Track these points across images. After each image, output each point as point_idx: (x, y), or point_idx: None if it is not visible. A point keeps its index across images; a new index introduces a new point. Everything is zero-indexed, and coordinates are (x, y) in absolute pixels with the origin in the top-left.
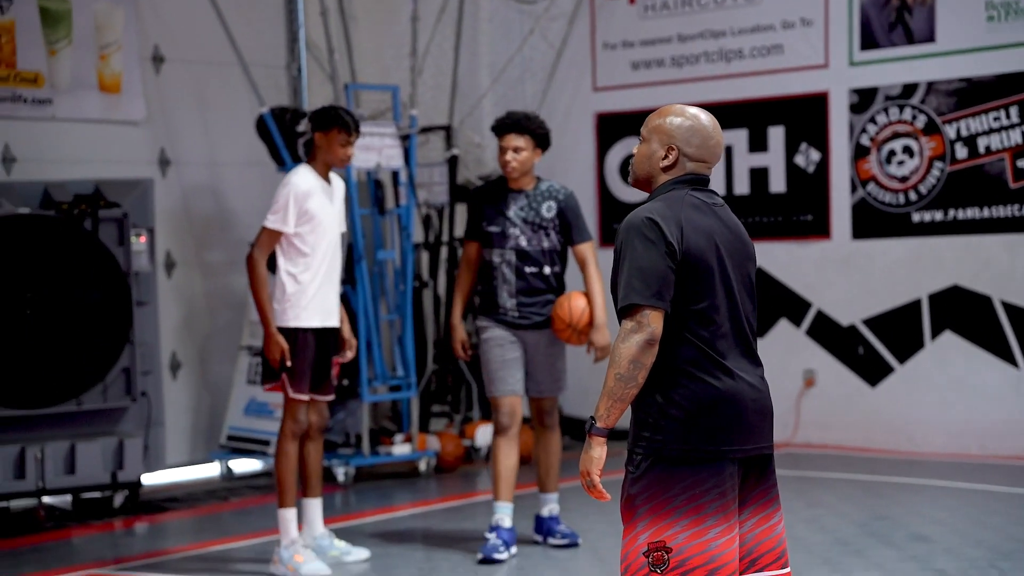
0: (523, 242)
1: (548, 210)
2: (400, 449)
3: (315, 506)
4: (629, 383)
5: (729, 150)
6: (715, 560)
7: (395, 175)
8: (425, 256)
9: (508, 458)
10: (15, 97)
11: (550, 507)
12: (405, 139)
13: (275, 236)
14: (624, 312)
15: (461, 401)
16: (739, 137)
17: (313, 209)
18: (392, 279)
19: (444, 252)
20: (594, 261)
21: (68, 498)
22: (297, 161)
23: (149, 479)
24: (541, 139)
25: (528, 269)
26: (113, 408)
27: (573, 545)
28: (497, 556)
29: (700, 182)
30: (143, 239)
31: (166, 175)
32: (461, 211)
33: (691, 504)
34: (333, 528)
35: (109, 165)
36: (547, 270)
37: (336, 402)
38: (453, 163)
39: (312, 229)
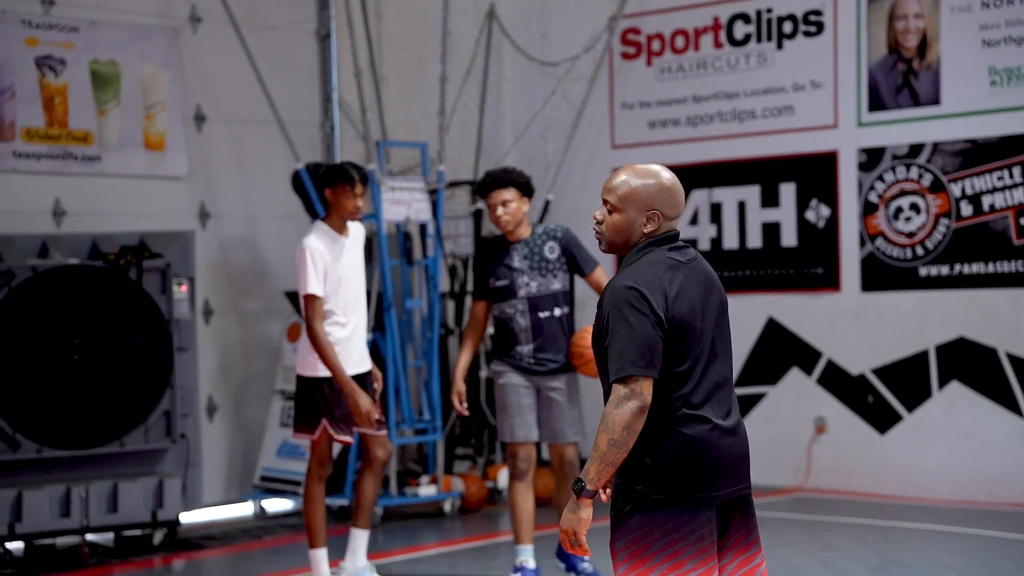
0: (533, 288)
1: (551, 251)
2: (426, 490)
3: (362, 537)
4: (621, 448)
5: (742, 206)
6: None
7: (423, 227)
8: (451, 305)
9: (526, 502)
10: (66, 154)
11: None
12: (433, 193)
13: (319, 302)
14: (619, 380)
15: (484, 444)
16: (752, 193)
17: (330, 267)
18: (419, 327)
19: (469, 301)
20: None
21: (111, 535)
22: None
23: (187, 518)
24: (524, 187)
25: (542, 314)
26: (154, 449)
27: None
28: None
29: (672, 238)
30: (184, 288)
31: (206, 227)
32: None
33: (670, 549)
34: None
35: (153, 218)
36: (558, 312)
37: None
38: (478, 216)
39: (332, 285)
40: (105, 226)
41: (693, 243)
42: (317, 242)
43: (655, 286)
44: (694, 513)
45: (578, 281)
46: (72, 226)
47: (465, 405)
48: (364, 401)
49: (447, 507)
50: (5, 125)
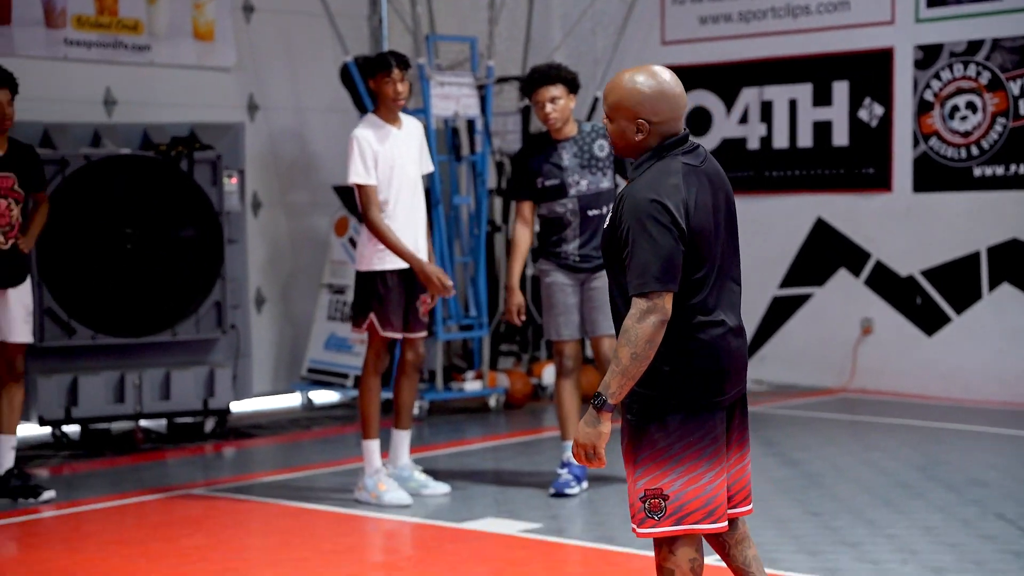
0: (583, 187)
1: (600, 149)
2: (471, 385)
3: (403, 438)
4: (642, 362)
5: (793, 104)
6: (710, 503)
7: (471, 123)
8: (498, 202)
9: (572, 399)
10: (116, 43)
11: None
12: (481, 88)
13: (370, 189)
14: (640, 295)
15: (529, 341)
16: (803, 91)
17: (380, 154)
18: (467, 223)
19: None
20: None
21: (163, 422)
22: None
23: (237, 407)
24: (572, 84)
25: (591, 212)
26: (205, 339)
27: None
28: (568, 491)
29: (681, 142)
30: (234, 180)
31: (254, 119)
32: None
33: (686, 452)
34: (414, 457)
35: (202, 109)
36: (605, 209)
37: None
38: (526, 112)
39: (384, 174)
40: (155, 116)
41: (742, 142)
42: (365, 131)
43: (676, 197)
44: (708, 416)
45: None
46: (123, 116)
47: (523, 318)
48: (432, 269)
49: (492, 402)
50: (56, 12)
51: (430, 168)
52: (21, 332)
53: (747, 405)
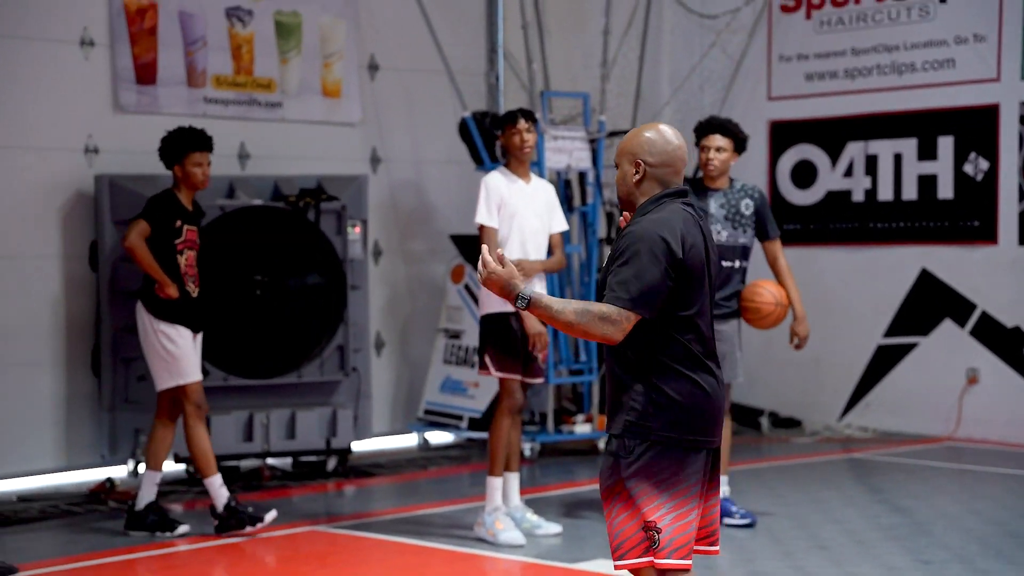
0: (723, 237)
1: (747, 208)
2: (581, 428)
3: (513, 479)
4: (568, 331)
5: (898, 158)
6: (691, 537)
7: (583, 176)
8: (607, 250)
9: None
10: (251, 101)
11: (723, 488)
12: (593, 142)
13: (490, 231)
14: (614, 300)
15: None
16: (909, 146)
17: (504, 201)
18: (577, 272)
19: None
20: (783, 254)
21: (288, 460)
22: (494, 161)
23: (357, 446)
24: (740, 143)
25: (725, 263)
26: (328, 381)
27: (750, 526)
28: (728, 520)
29: (682, 192)
30: (357, 229)
31: (377, 171)
32: None
33: (677, 487)
34: (523, 498)
35: (329, 162)
36: (738, 264)
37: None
38: None
39: (505, 221)
40: (286, 169)
41: (847, 194)
42: (495, 177)
43: (677, 235)
44: (697, 456)
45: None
46: (255, 169)
47: None
48: (533, 324)
49: (601, 445)
50: (197, 72)
51: (563, 227)
52: (199, 371)
53: (719, 453)
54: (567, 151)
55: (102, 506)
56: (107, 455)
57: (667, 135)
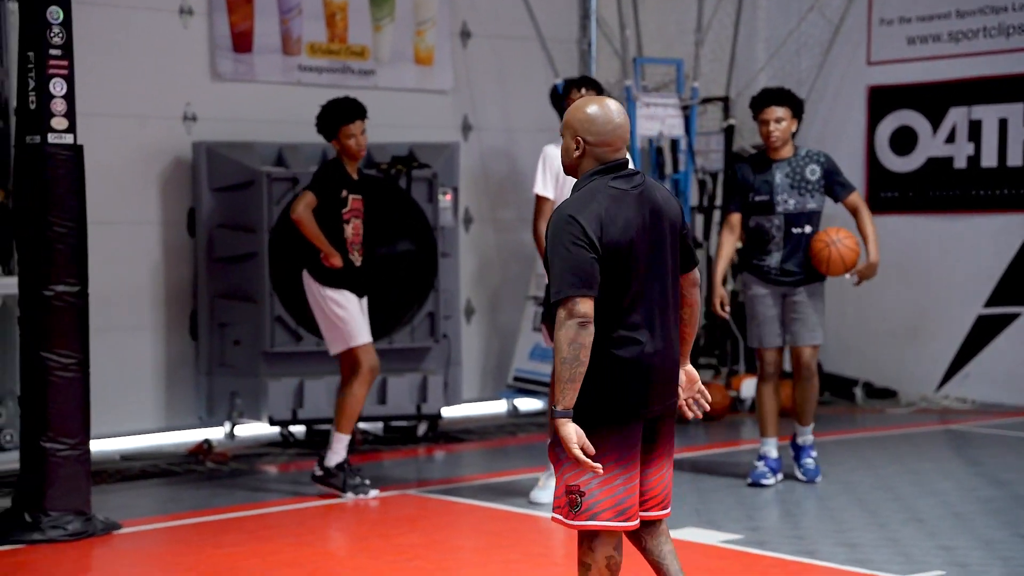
0: (791, 206)
1: (812, 173)
2: None
3: None
4: (574, 364)
5: (1003, 123)
6: (620, 504)
7: (675, 143)
8: (699, 219)
9: (772, 400)
10: (344, 68)
11: (804, 437)
12: (686, 109)
13: (544, 201)
14: (559, 304)
15: (728, 354)
16: (1015, 111)
17: (559, 173)
18: None
19: (717, 215)
20: (865, 206)
21: (380, 425)
22: None
23: (447, 412)
24: (798, 108)
25: (795, 230)
26: (419, 347)
27: (811, 482)
28: (764, 481)
29: (617, 167)
30: (448, 197)
31: (468, 139)
32: None
33: (603, 455)
34: None
35: (420, 130)
36: (808, 229)
37: None
38: (729, 132)
39: (560, 191)
40: (377, 136)
41: (949, 161)
42: (553, 148)
43: (590, 214)
44: (628, 427)
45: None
46: None
47: (728, 309)
48: None
49: (691, 414)
50: (293, 40)
51: None
52: (369, 333)
53: (670, 420)
54: (659, 118)
55: (200, 466)
56: (204, 417)
57: (611, 112)
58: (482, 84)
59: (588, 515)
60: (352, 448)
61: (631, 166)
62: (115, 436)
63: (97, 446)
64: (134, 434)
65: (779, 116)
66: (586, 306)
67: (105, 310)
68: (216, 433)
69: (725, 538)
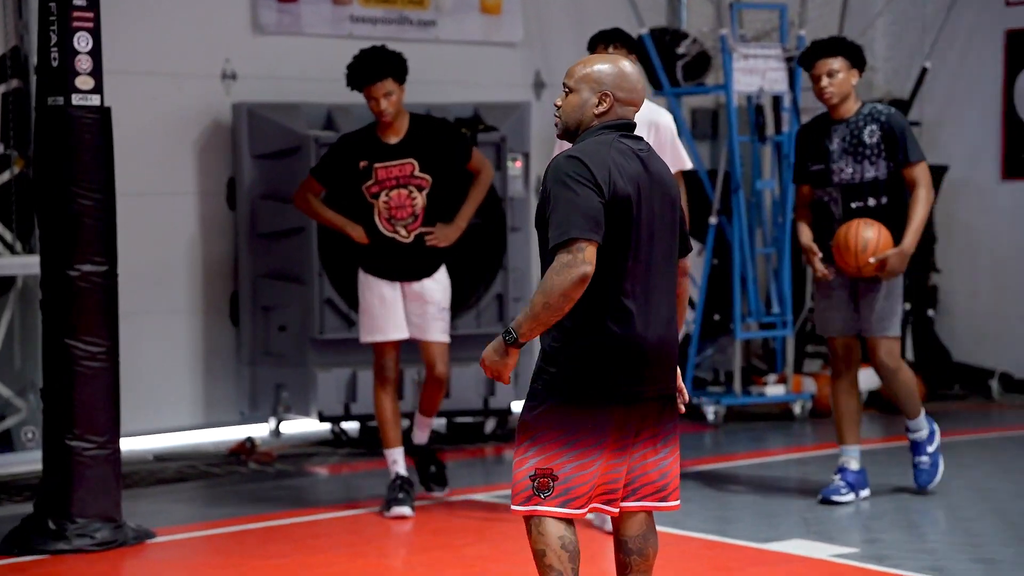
0: (847, 174)
1: (871, 135)
2: (773, 390)
3: None
4: (555, 313)
5: None
6: (596, 488)
7: (777, 100)
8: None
9: (846, 400)
10: (401, 19)
11: (915, 432)
12: (790, 61)
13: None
14: (561, 245)
15: None
16: None
17: None
18: (769, 210)
19: None
20: (926, 184)
21: (443, 421)
22: (675, 85)
23: (518, 407)
24: (855, 57)
25: (854, 204)
26: (486, 334)
27: (922, 490)
28: (838, 498)
29: (627, 127)
30: (518, 164)
31: (540, 98)
32: None
33: (581, 438)
34: (706, 468)
35: (486, 88)
36: (871, 202)
37: (706, 337)
38: None
39: None
40: (439, 96)
41: None
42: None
43: (599, 160)
44: (608, 409)
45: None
46: (408, 95)
47: (832, 268)
48: None
49: (797, 409)
50: None
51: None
52: (439, 331)
53: (670, 406)
54: (759, 72)
55: (242, 468)
56: (247, 412)
57: (634, 73)
58: (556, 35)
59: (560, 500)
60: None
61: None
62: (148, 434)
63: (128, 445)
64: (169, 432)
65: (832, 68)
66: (591, 257)
67: (136, 292)
68: (260, 430)
69: (838, 552)
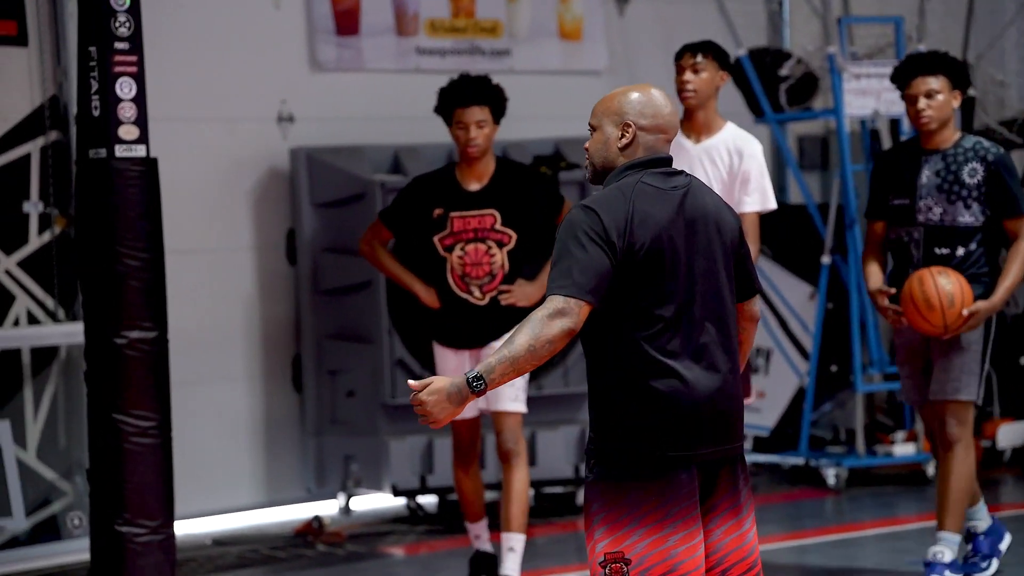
0: (934, 216)
1: (971, 174)
2: (902, 449)
3: None
4: (535, 361)
5: None
6: (677, 568)
7: (895, 123)
8: None
9: (946, 475)
10: (473, 49)
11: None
12: None
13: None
14: (556, 293)
15: (979, 391)
16: None
17: None
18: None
19: None
20: None
21: (531, 491)
22: (777, 111)
23: None
24: (959, 76)
25: (939, 251)
26: (575, 393)
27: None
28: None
29: (656, 163)
30: None
31: None
32: None
33: (647, 512)
34: (828, 540)
35: (568, 121)
36: (960, 251)
37: (823, 392)
38: (969, 106)
39: None
40: (515, 132)
41: None
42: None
43: (617, 209)
44: (669, 474)
45: None
46: None
47: (899, 311)
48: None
49: (930, 471)
50: (408, 17)
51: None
52: (508, 398)
53: (739, 467)
54: (874, 93)
55: (310, 549)
56: (313, 488)
57: (659, 97)
58: (645, 60)
59: None
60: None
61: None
62: (205, 516)
63: (184, 529)
64: (228, 513)
65: (931, 88)
66: (583, 316)
67: (189, 359)
68: (328, 508)
69: None
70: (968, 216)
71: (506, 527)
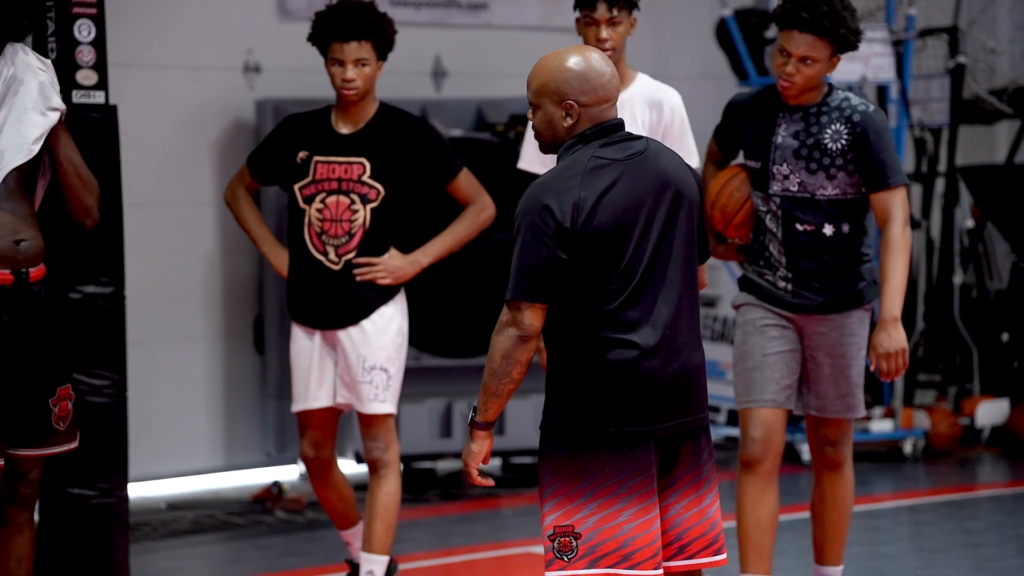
0: (792, 185)
1: (835, 138)
2: (879, 426)
3: None
4: (503, 379)
5: None
6: (629, 544)
7: (883, 90)
8: (917, 190)
9: (757, 509)
10: (449, 2)
11: None
12: (898, 45)
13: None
14: (507, 302)
15: (957, 369)
16: None
17: None
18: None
19: (940, 185)
20: (904, 223)
21: (497, 462)
22: (762, 74)
23: None
24: (843, 43)
25: (800, 227)
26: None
27: None
28: None
29: (606, 131)
30: None
31: None
32: (966, 134)
33: (600, 486)
34: (802, 517)
35: None
36: (828, 229)
37: None
38: (958, 74)
39: None
40: (492, 90)
41: None
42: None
43: (566, 190)
44: (625, 448)
45: None
46: (454, 90)
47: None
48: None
49: (907, 448)
50: None
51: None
52: (367, 398)
53: (702, 441)
54: (862, 58)
55: (268, 516)
56: (273, 453)
57: (596, 64)
58: None
59: (587, 561)
60: (460, 492)
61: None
62: (160, 478)
63: (138, 492)
64: (184, 476)
65: (806, 55)
66: (533, 318)
67: (147, 317)
68: (288, 473)
69: None
70: (832, 188)
71: (367, 547)
